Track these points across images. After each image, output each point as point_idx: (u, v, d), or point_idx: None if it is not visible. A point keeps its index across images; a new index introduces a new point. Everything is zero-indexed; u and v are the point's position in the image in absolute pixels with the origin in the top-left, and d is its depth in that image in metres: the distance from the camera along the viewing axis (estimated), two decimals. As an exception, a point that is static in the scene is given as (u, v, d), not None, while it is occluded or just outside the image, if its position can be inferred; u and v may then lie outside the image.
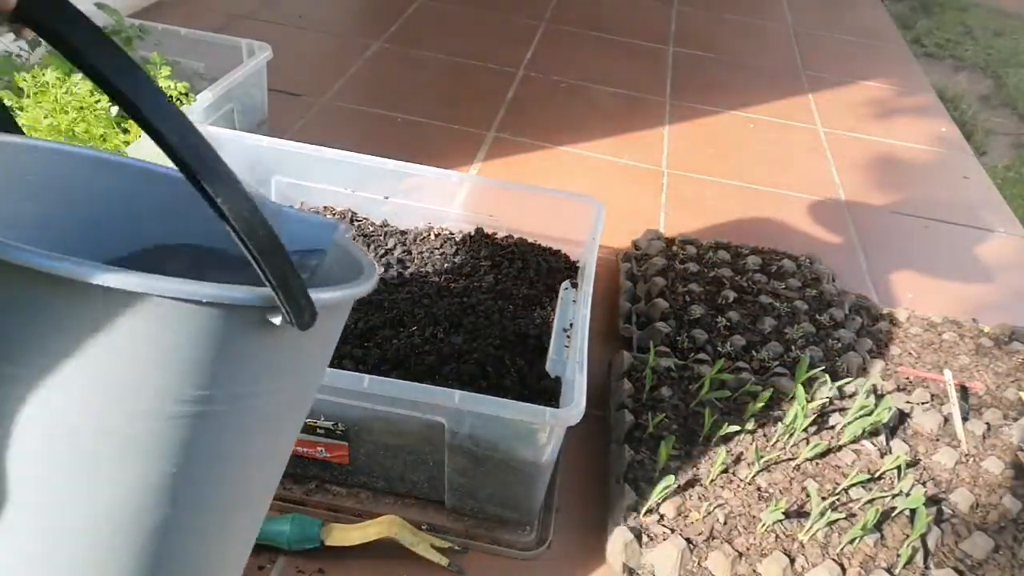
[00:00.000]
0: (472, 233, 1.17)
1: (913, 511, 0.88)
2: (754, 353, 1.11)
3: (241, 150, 1.13)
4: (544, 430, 0.76)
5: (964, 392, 1.11)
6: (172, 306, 0.36)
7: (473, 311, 1.01)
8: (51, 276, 0.34)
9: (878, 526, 0.87)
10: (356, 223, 1.16)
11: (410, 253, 1.12)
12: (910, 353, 1.17)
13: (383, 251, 1.11)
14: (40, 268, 0.34)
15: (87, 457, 0.39)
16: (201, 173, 0.34)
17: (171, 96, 1.10)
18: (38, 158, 0.51)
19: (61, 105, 0.97)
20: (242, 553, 0.52)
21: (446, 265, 1.10)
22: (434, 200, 1.17)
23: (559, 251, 1.17)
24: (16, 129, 0.50)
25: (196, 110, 1.15)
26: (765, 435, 0.97)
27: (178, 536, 0.44)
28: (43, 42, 1.28)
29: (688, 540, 0.83)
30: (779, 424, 0.98)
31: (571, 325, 1.02)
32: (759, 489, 0.90)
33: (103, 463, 0.40)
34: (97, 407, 0.38)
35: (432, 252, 1.12)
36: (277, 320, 0.39)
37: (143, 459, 0.40)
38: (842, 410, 1.02)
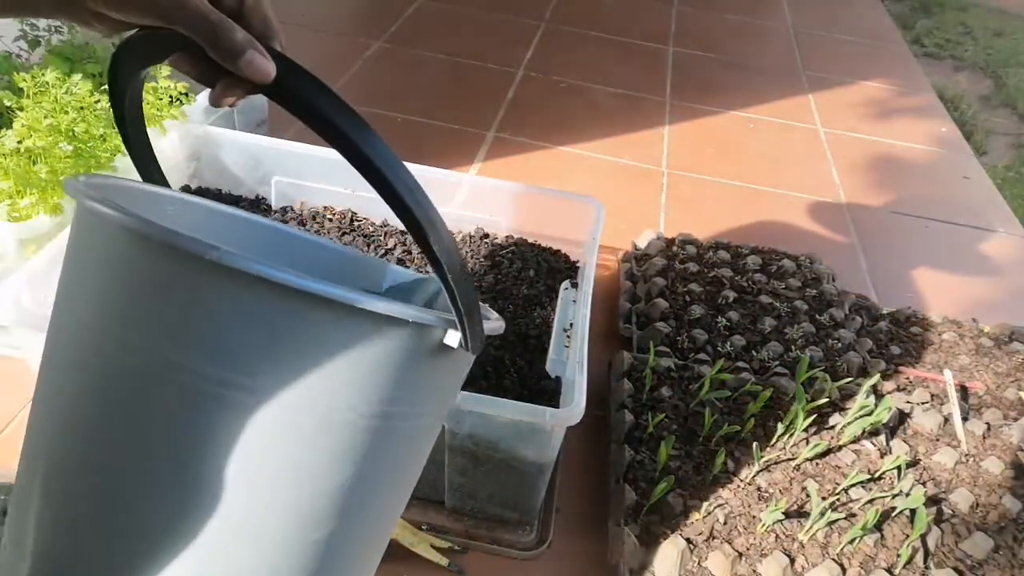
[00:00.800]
0: (472, 233, 1.17)
1: (913, 511, 0.88)
2: (754, 353, 1.11)
3: (241, 150, 1.13)
4: (544, 430, 0.76)
5: (964, 392, 1.11)
6: (385, 323, 0.41)
7: (473, 311, 1.01)
8: (305, 296, 0.38)
9: (878, 526, 0.87)
10: (356, 223, 1.16)
11: (410, 253, 1.12)
12: (910, 353, 1.17)
13: (383, 251, 1.11)
14: (300, 287, 0.38)
15: (284, 465, 0.41)
16: (422, 219, 0.41)
17: (171, 96, 1.10)
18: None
19: (61, 105, 0.97)
20: (373, 568, 0.53)
21: (446, 265, 1.10)
22: (434, 200, 1.16)
23: (559, 251, 1.17)
24: (166, 184, 0.54)
25: (196, 110, 1.15)
26: (765, 435, 0.97)
27: (333, 550, 0.45)
28: (43, 42, 1.28)
29: (688, 540, 0.83)
30: (779, 424, 0.98)
31: (571, 325, 1.02)
32: (759, 489, 0.90)
33: (298, 471, 0.42)
34: (307, 417, 0.41)
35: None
36: (454, 343, 0.44)
37: (331, 468, 0.43)
38: (842, 410, 1.02)
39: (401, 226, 1.16)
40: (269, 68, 0.40)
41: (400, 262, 1.09)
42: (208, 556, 0.41)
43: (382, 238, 1.13)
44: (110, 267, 0.40)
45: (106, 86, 1.06)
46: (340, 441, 0.42)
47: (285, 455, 0.41)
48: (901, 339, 1.20)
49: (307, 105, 0.39)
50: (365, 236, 1.13)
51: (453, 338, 0.44)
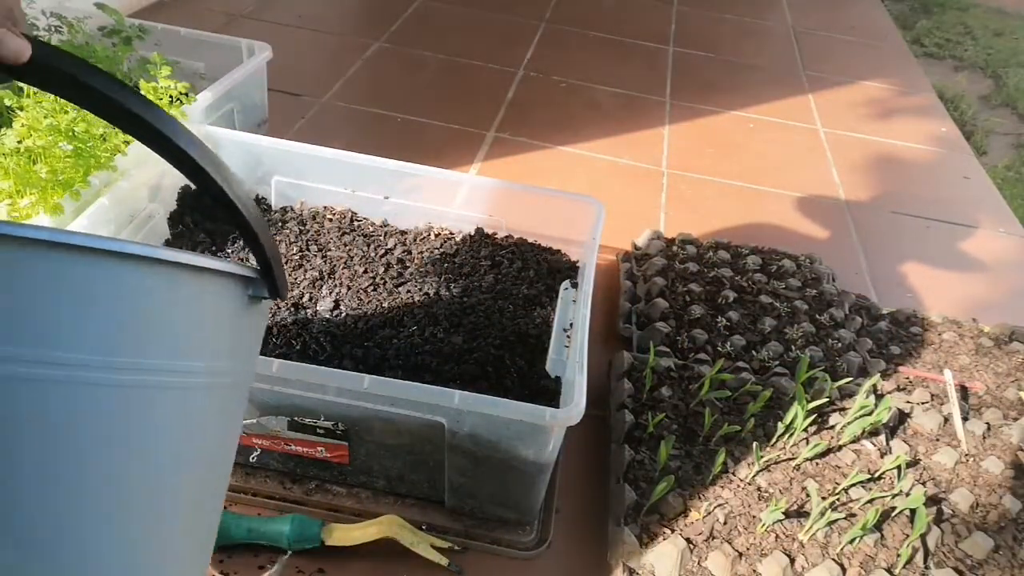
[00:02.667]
0: (472, 233, 1.17)
1: (913, 511, 0.88)
2: (754, 353, 1.11)
3: (241, 150, 1.13)
4: (544, 430, 0.76)
5: (964, 392, 1.11)
6: (189, 275, 0.40)
7: (473, 311, 1.01)
8: (109, 255, 0.36)
9: (878, 526, 0.87)
10: (356, 223, 1.16)
11: (410, 253, 1.12)
12: (910, 353, 1.17)
13: (383, 251, 1.11)
14: (104, 247, 0.36)
15: (106, 437, 0.38)
16: (213, 171, 0.40)
17: (171, 96, 1.10)
18: None
19: (61, 105, 0.97)
20: (198, 558, 0.49)
21: (446, 265, 1.10)
22: (434, 200, 1.17)
23: (559, 251, 1.17)
24: None
25: (196, 110, 1.15)
26: (765, 435, 0.97)
27: (142, 516, 0.42)
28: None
29: (688, 540, 0.83)
30: (779, 424, 0.98)
31: (571, 325, 1.02)
32: (759, 489, 0.90)
33: (119, 441, 0.39)
34: (126, 380, 0.38)
35: (432, 252, 1.12)
36: (263, 292, 0.45)
37: (153, 435, 0.40)
38: (842, 410, 1.02)
39: (401, 226, 1.17)
40: (22, 46, 0.39)
41: (400, 262, 1.09)
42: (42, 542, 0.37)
43: (382, 238, 1.13)
44: None
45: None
46: (159, 404, 0.40)
47: (106, 425, 0.38)
48: (901, 339, 1.20)
49: (66, 78, 0.38)
50: (365, 236, 1.13)
51: (261, 288, 0.45)
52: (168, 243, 1.08)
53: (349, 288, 1.02)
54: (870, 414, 0.98)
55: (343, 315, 0.97)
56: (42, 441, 0.36)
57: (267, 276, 0.45)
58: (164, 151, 0.40)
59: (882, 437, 1.00)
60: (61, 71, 0.38)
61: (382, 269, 1.07)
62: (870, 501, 0.89)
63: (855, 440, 0.98)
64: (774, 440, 0.97)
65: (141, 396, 0.39)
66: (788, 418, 0.97)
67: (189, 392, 0.41)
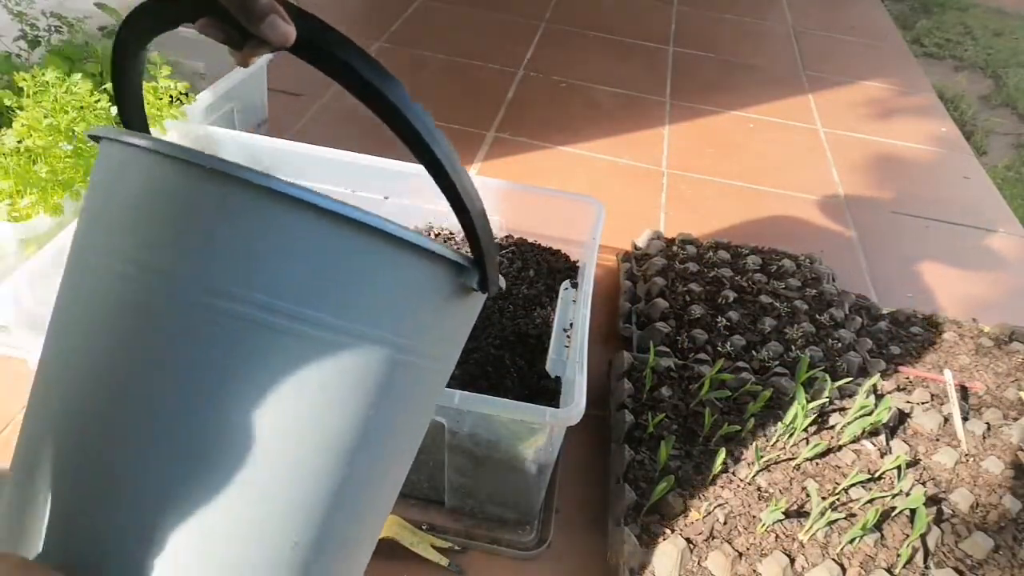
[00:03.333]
0: (472, 233, 1.17)
1: (913, 511, 0.88)
2: (754, 353, 1.11)
3: (241, 150, 1.13)
4: (544, 430, 0.76)
5: (964, 392, 1.10)
6: (424, 258, 0.43)
7: (473, 311, 1.01)
8: (355, 225, 0.40)
9: (878, 526, 0.87)
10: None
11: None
12: (910, 353, 1.17)
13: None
14: (352, 217, 0.40)
15: (322, 394, 0.41)
16: (445, 162, 0.43)
17: (171, 96, 1.10)
18: None
19: (61, 105, 0.97)
20: (376, 533, 0.52)
21: (446, 265, 1.10)
22: (434, 200, 1.17)
23: (559, 251, 1.17)
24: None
25: (196, 110, 1.15)
26: (765, 435, 0.97)
27: (357, 486, 0.45)
28: (43, 42, 1.28)
29: (688, 540, 0.83)
30: (779, 424, 0.98)
31: (571, 325, 1.02)
32: (759, 489, 0.90)
33: (333, 402, 0.42)
34: (350, 347, 0.42)
35: (432, 252, 1.12)
36: (474, 283, 0.46)
37: (362, 400, 0.43)
38: (842, 410, 1.02)
39: (402, 224, 1.17)
40: (289, 31, 0.42)
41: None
42: (252, 496, 0.40)
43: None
44: (154, 203, 0.40)
45: (106, 85, 1.06)
46: (373, 374, 0.43)
47: (324, 384, 0.41)
48: (901, 339, 1.20)
49: (329, 58, 0.42)
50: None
51: (473, 279, 0.46)
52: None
53: (349, 288, 1.02)
54: (870, 414, 0.98)
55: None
56: (260, 383, 0.39)
57: (479, 267, 0.47)
58: (400, 130, 0.43)
59: (882, 437, 1.00)
60: (322, 49, 0.42)
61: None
62: (870, 501, 0.89)
63: (855, 440, 0.98)
64: (774, 440, 0.97)
65: (352, 356, 0.42)
66: (788, 418, 0.97)
67: (397, 366, 0.44)
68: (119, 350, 0.40)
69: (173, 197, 0.40)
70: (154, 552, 0.39)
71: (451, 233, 1.16)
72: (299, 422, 0.41)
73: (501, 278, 0.51)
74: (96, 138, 0.45)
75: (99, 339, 0.40)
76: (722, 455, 0.90)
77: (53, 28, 1.22)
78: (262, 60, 1.37)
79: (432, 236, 1.15)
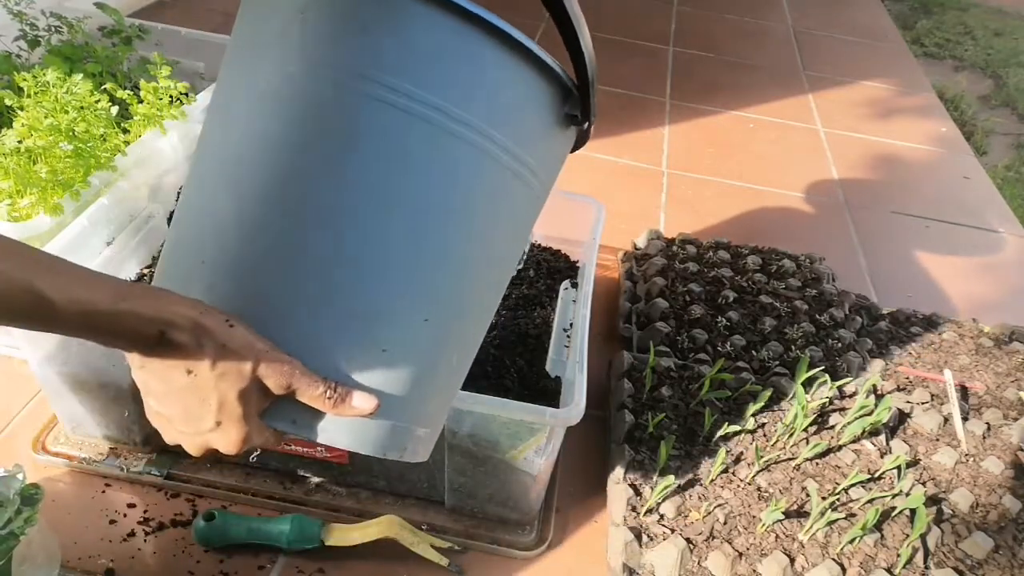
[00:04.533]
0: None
1: (913, 511, 0.88)
2: (754, 353, 1.11)
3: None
4: (544, 430, 0.76)
5: (964, 392, 1.10)
6: (548, 74, 0.50)
7: (473, 311, 1.01)
8: (501, 36, 0.48)
9: (878, 526, 0.87)
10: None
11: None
12: (910, 353, 1.17)
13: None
14: (500, 27, 0.48)
15: (456, 189, 0.49)
16: (574, 15, 0.50)
17: (172, 96, 1.10)
18: None
19: (61, 105, 0.97)
20: (476, 343, 0.57)
21: (446, 265, 1.10)
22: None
23: (559, 251, 1.17)
24: None
25: (196, 110, 1.15)
26: (765, 435, 0.97)
27: (467, 275, 0.52)
28: (42, 42, 1.28)
29: (688, 540, 0.83)
30: (779, 424, 0.98)
31: (571, 325, 1.02)
32: (759, 489, 0.90)
33: (462, 197, 0.49)
34: (478, 146, 0.48)
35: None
36: (576, 111, 0.53)
37: (483, 197, 0.50)
38: (842, 410, 1.02)
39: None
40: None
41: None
42: (403, 275, 0.48)
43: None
44: (314, 7, 0.46)
45: (106, 85, 1.06)
46: (489, 171, 0.49)
47: (448, 170, 0.48)
48: (901, 339, 1.20)
49: None
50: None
51: (576, 106, 0.52)
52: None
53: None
54: (870, 414, 0.98)
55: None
56: (394, 164, 0.46)
57: (584, 94, 0.51)
58: None
59: (882, 437, 1.00)
60: None
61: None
62: (870, 501, 0.89)
63: (855, 440, 0.98)
64: (774, 440, 0.97)
65: (464, 150, 0.48)
66: (788, 418, 0.97)
67: (500, 168, 0.50)
68: (291, 135, 0.46)
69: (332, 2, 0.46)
70: (320, 314, 0.47)
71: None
72: (427, 202, 0.48)
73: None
74: None
75: (271, 129, 0.47)
76: (722, 455, 0.90)
77: (53, 28, 1.22)
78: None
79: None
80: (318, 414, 0.48)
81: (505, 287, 0.58)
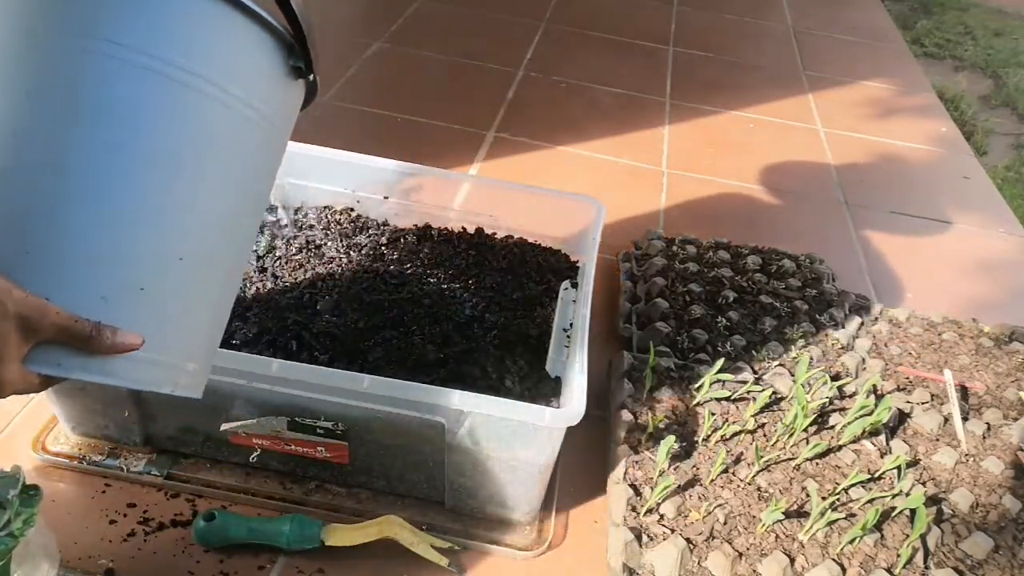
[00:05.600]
0: (472, 233, 1.17)
1: (913, 511, 0.88)
2: (754, 353, 1.11)
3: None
4: (544, 430, 0.76)
5: (964, 392, 1.10)
6: (240, 12, 0.54)
7: (473, 311, 1.01)
8: None
9: (878, 526, 0.87)
10: (356, 223, 1.16)
11: (410, 253, 1.12)
12: (910, 353, 1.17)
13: (383, 251, 1.11)
14: None
15: (179, 133, 0.52)
16: None
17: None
18: None
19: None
20: (221, 302, 0.60)
21: (446, 265, 1.10)
22: (434, 200, 1.17)
23: (559, 251, 1.17)
24: None
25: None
26: (765, 435, 0.97)
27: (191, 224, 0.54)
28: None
29: (688, 540, 0.83)
30: (779, 424, 0.98)
31: (571, 325, 1.02)
32: (759, 489, 0.90)
33: (187, 140, 0.52)
34: (200, 91, 0.52)
35: (432, 252, 1.12)
36: (300, 63, 0.59)
37: (202, 140, 0.53)
38: (842, 410, 1.02)
39: (401, 226, 1.17)
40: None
41: (400, 262, 1.09)
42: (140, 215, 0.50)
43: (382, 238, 1.13)
44: None
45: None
46: (207, 111, 0.53)
47: (190, 124, 0.52)
48: (901, 339, 1.20)
49: None
50: (365, 236, 1.13)
51: (299, 59, 0.58)
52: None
53: (349, 288, 1.02)
54: (870, 414, 0.98)
55: (343, 315, 0.97)
56: (125, 114, 0.49)
57: (302, 46, 0.57)
58: None
59: (882, 437, 1.00)
60: None
61: (382, 269, 1.07)
62: (870, 501, 0.89)
63: (855, 440, 0.98)
64: (774, 440, 0.97)
65: (192, 96, 0.51)
66: (788, 418, 0.97)
67: (231, 113, 0.54)
68: (22, 83, 0.48)
69: None
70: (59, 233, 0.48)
71: (451, 233, 1.16)
72: (163, 147, 0.51)
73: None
74: None
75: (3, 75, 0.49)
76: (722, 455, 0.90)
77: (53, 28, 1.22)
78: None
79: (433, 236, 1.15)
80: (85, 355, 0.49)
81: (259, 221, 0.64)
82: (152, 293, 0.51)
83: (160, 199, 0.51)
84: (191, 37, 0.51)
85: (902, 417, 1.05)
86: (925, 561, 0.85)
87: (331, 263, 1.07)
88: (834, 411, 1.02)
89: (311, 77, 0.60)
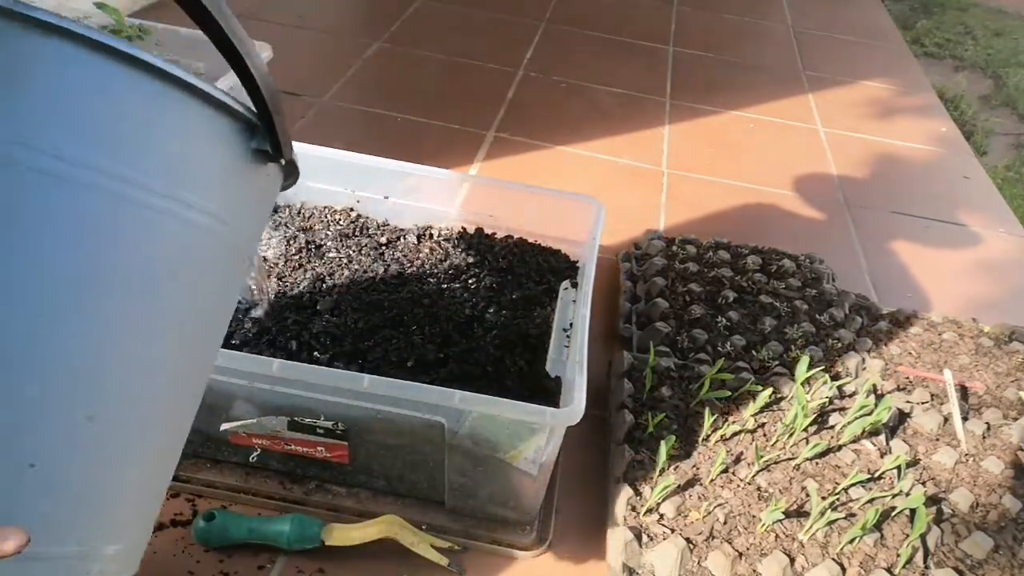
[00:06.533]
0: (472, 233, 1.17)
1: (913, 511, 0.88)
2: (754, 353, 1.11)
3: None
4: (544, 430, 0.76)
5: (964, 392, 1.10)
6: (185, 93, 0.40)
7: (473, 311, 1.01)
8: (134, 62, 0.38)
9: (878, 526, 0.87)
10: (356, 223, 1.16)
11: (410, 253, 1.12)
12: (910, 353, 1.17)
13: (383, 251, 1.11)
14: (129, 52, 0.37)
15: (98, 255, 0.38)
16: (233, 35, 0.40)
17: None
18: None
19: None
20: (176, 421, 0.46)
21: (446, 265, 1.10)
22: (434, 200, 1.17)
23: (559, 251, 1.17)
24: None
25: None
26: (765, 435, 0.97)
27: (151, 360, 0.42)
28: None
29: (688, 540, 0.83)
30: (779, 424, 0.98)
31: (571, 325, 1.02)
32: (759, 489, 0.90)
33: (104, 256, 0.39)
34: (129, 198, 0.39)
35: (432, 252, 1.12)
36: (265, 146, 0.44)
37: (138, 263, 0.40)
38: (842, 410, 1.02)
39: (401, 226, 1.17)
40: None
41: (400, 262, 1.09)
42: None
43: (382, 238, 1.13)
44: None
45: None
46: (153, 225, 0.40)
47: (95, 227, 0.38)
48: (901, 339, 1.20)
49: None
50: (365, 236, 1.13)
51: (264, 141, 0.44)
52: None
53: (349, 288, 1.02)
54: (870, 414, 0.98)
55: (343, 315, 0.97)
56: (30, 231, 0.36)
57: (267, 125, 0.43)
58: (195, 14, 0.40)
59: (882, 437, 1.00)
60: None
61: (382, 269, 1.07)
62: (870, 501, 0.89)
63: (855, 440, 0.98)
64: (774, 440, 0.97)
65: (131, 209, 0.39)
66: (788, 418, 0.97)
67: (182, 224, 0.41)
68: None
69: None
70: None
71: (451, 233, 1.16)
72: (67, 272, 0.37)
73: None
74: None
75: None
76: (722, 455, 0.90)
77: (53, 28, 1.22)
78: (263, 59, 1.37)
79: (433, 236, 1.15)
80: None
81: (217, 347, 0.49)
82: (46, 469, 0.37)
83: (67, 338, 0.37)
84: (119, 131, 0.38)
85: (902, 417, 1.05)
86: (925, 561, 0.85)
87: (331, 263, 1.07)
88: (834, 411, 1.02)
89: (282, 161, 0.47)
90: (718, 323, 1.15)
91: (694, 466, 0.92)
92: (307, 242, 1.10)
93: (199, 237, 0.42)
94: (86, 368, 0.38)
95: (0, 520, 0.35)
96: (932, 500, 0.92)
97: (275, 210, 1.17)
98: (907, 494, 0.91)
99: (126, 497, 0.43)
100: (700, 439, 0.95)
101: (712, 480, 0.90)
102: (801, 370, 1.01)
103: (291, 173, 0.49)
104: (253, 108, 0.44)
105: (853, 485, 0.91)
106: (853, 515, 0.88)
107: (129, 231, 0.39)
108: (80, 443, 0.38)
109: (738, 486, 0.90)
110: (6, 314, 0.35)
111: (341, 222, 1.15)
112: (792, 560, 0.82)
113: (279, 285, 1.02)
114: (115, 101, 0.38)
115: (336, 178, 1.16)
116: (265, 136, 0.44)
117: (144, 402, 0.42)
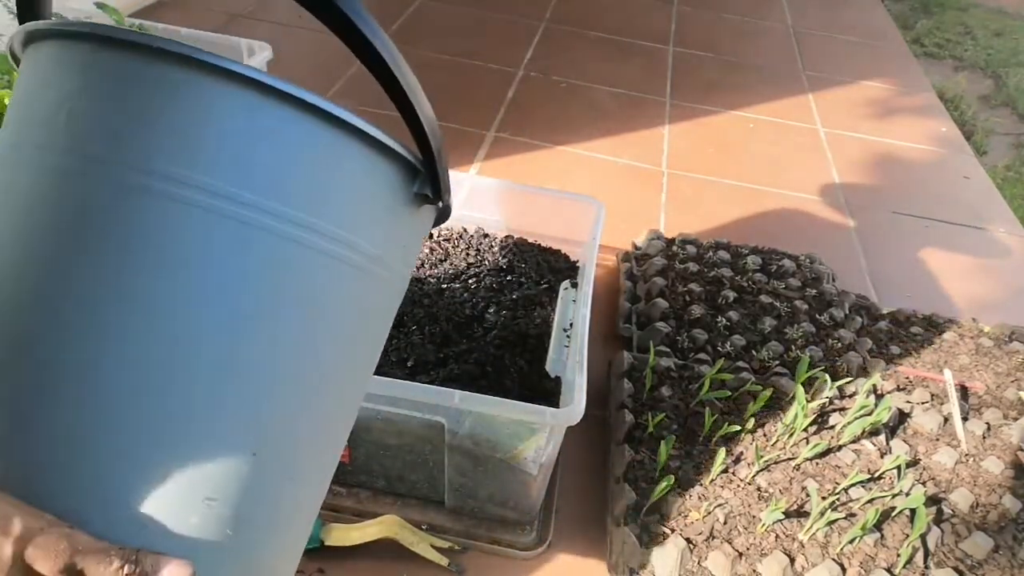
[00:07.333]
0: (472, 233, 1.17)
1: (913, 511, 0.88)
2: (754, 353, 1.11)
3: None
4: (544, 430, 0.76)
5: (964, 392, 1.11)
6: (362, 142, 0.42)
7: (473, 311, 1.01)
8: (305, 106, 0.40)
9: (878, 526, 0.87)
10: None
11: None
12: (910, 353, 1.17)
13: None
14: (305, 98, 0.40)
15: (266, 294, 0.39)
16: (407, 85, 0.44)
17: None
18: None
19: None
20: (325, 478, 0.47)
21: (446, 265, 1.10)
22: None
23: (559, 251, 1.17)
24: None
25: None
26: (765, 435, 0.97)
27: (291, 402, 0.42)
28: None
29: (688, 540, 0.83)
30: (779, 424, 0.98)
31: (571, 325, 1.02)
32: (759, 489, 0.90)
33: (271, 298, 0.39)
34: (292, 237, 0.39)
35: (432, 252, 1.12)
36: (427, 191, 0.45)
37: (302, 296, 0.41)
38: (842, 410, 1.02)
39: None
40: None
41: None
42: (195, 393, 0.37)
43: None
44: (89, 89, 0.38)
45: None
46: (314, 268, 0.40)
47: (264, 274, 0.39)
48: (901, 339, 1.20)
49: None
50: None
51: (426, 185, 0.45)
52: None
53: (349, 288, 1.02)
54: (870, 414, 0.98)
55: (343, 315, 0.97)
56: (200, 271, 0.37)
57: (431, 171, 0.45)
58: (345, 35, 0.42)
59: (882, 437, 1.00)
60: None
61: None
62: (870, 501, 0.89)
63: (855, 440, 0.98)
64: (774, 440, 0.97)
65: (309, 255, 0.40)
66: (788, 418, 0.97)
67: (350, 269, 0.42)
68: (57, 240, 0.37)
69: (108, 80, 0.37)
70: (102, 461, 0.35)
71: (451, 233, 1.16)
72: (236, 314, 0.38)
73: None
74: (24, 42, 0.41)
75: (37, 232, 0.37)
76: (722, 455, 0.90)
77: (53, 28, 1.22)
78: (263, 60, 1.37)
79: (433, 236, 1.15)
80: None
81: (365, 387, 0.49)
82: (215, 502, 0.38)
83: (239, 380, 0.38)
84: (291, 175, 0.39)
85: (902, 417, 1.05)
86: (925, 561, 0.85)
87: (331, 263, 1.07)
88: (834, 411, 1.02)
89: (440, 204, 0.47)
90: (718, 323, 1.15)
91: (694, 466, 0.92)
92: (307, 242, 1.10)
93: (366, 282, 0.43)
94: (254, 405, 0.39)
95: (170, 550, 0.35)
96: (932, 500, 0.92)
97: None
98: (907, 494, 0.91)
99: (283, 531, 0.43)
100: (700, 439, 0.95)
101: (712, 480, 0.90)
102: (801, 370, 1.01)
103: (445, 214, 0.51)
104: (418, 154, 0.45)
105: (853, 485, 0.91)
106: (853, 515, 0.88)
107: (308, 276, 0.40)
108: (244, 479, 0.39)
109: (738, 486, 0.90)
110: (193, 351, 0.37)
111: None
112: (792, 560, 0.82)
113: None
114: (301, 151, 0.40)
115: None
116: (427, 181, 0.45)
117: (308, 433, 0.43)
